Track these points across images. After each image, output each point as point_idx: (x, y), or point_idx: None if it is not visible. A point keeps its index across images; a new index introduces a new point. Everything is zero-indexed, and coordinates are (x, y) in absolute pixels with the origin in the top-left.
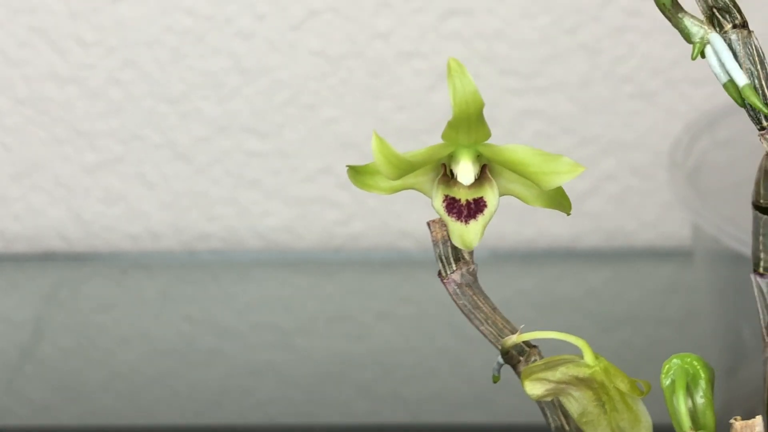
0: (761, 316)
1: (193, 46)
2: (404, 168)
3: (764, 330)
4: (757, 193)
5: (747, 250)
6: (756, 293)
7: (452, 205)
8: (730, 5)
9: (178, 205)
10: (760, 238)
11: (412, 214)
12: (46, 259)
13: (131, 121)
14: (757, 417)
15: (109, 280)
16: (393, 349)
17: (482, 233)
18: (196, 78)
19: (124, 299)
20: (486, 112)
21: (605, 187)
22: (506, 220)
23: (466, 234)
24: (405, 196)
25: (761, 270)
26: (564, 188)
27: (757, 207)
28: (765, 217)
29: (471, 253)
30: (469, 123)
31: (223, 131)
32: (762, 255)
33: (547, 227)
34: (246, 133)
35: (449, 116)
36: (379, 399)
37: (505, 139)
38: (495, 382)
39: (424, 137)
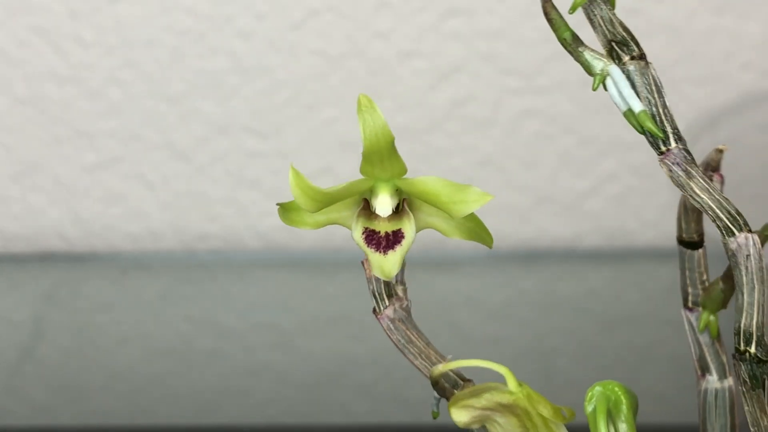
0: (692, 350)
1: (193, 46)
2: (322, 200)
3: (695, 363)
4: (679, 228)
5: None
6: (687, 328)
7: (371, 237)
8: (628, 38)
9: (178, 205)
10: (686, 273)
11: None
12: (46, 259)
13: (131, 121)
14: None
15: (109, 280)
16: (393, 349)
17: (400, 263)
18: (196, 78)
19: (124, 299)
20: (486, 112)
21: (605, 187)
22: (506, 220)
23: (385, 264)
24: None
25: (690, 305)
26: (561, 189)
27: (681, 242)
28: (689, 251)
29: (405, 289)
30: (382, 156)
31: (223, 131)
32: (690, 290)
33: (547, 227)
34: (246, 133)
35: (449, 116)
36: (379, 399)
37: (506, 139)
38: (435, 418)
39: (424, 137)
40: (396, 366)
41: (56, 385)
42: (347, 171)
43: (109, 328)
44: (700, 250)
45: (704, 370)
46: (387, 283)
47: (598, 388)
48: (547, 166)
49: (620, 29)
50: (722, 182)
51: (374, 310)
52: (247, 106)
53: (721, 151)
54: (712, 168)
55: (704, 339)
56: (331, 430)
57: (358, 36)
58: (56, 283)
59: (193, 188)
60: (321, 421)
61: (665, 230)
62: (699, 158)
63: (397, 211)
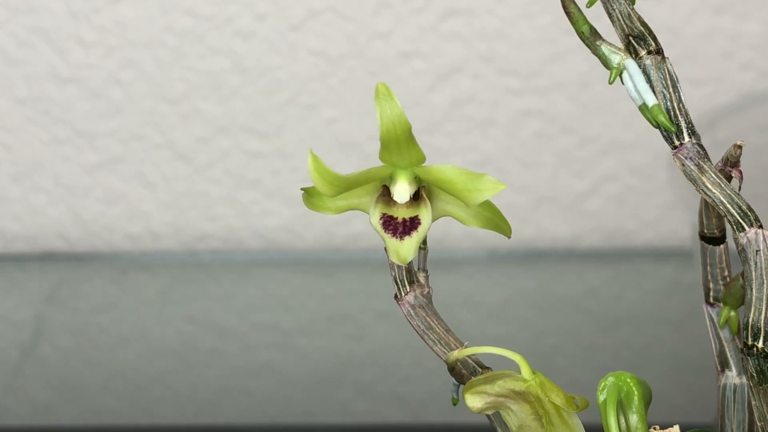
0: (713, 345)
1: (193, 46)
2: (340, 185)
3: (716, 358)
4: (700, 223)
5: None
6: (708, 323)
7: (389, 223)
8: (645, 33)
9: (178, 205)
10: (708, 268)
11: None
12: (47, 259)
13: (131, 121)
14: (675, 426)
15: (109, 280)
16: (393, 349)
17: (416, 249)
18: (196, 78)
19: (124, 299)
20: (486, 112)
21: (605, 187)
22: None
23: (401, 249)
24: None
25: (711, 300)
26: (561, 189)
27: (703, 237)
28: (710, 247)
29: (426, 276)
30: (399, 144)
31: (223, 131)
32: (711, 285)
33: (547, 227)
34: (246, 133)
35: (449, 117)
36: (379, 399)
37: (505, 139)
38: (454, 404)
39: (424, 137)
40: (396, 366)
41: (57, 384)
42: (347, 171)
43: (109, 328)
44: (722, 246)
45: (724, 365)
46: (409, 270)
47: (610, 379)
48: (546, 166)
49: (638, 24)
50: (741, 178)
51: (396, 296)
52: (247, 106)
53: (740, 147)
54: (731, 164)
55: (724, 334)
56: (331, 430)
57: (358, 36)
58: (57, 283)
59: (193, 188)
60: (321, 421)
61: (665, 230)
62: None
63: (416, 198)
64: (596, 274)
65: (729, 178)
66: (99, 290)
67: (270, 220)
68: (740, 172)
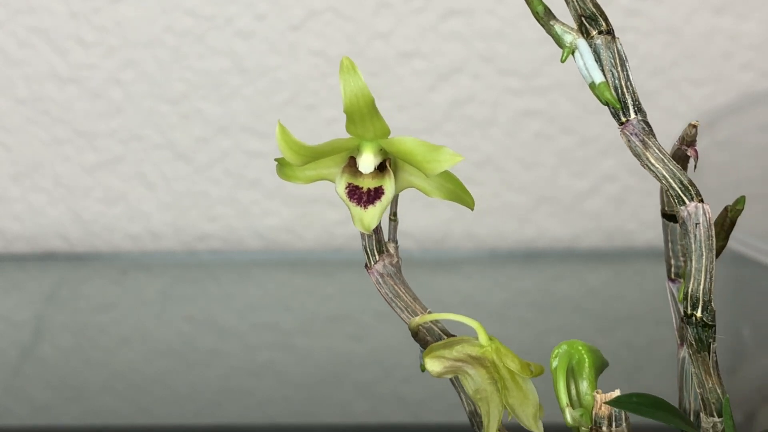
0: (673, 319)
1: (193, 46)
2: (306, 155)
3: (676, 332)
4: (662, 201)
5: (746, 250)
6: (669, 298)
7: (354, 192)
8: (597, 14)
9: (178, 205)
10: (669, 245)
11: (410, 214)
12: (47, 259)
13: (131, 121)
14: (616, 390)
15: (109, 280)
16: (393, 349)
17: (379, 217)
18: (196, 78)
19: (124, 299)
20: (486, 112)
21: (605, 187)
22: (506, 220)
23: (365, 217)
24: (404, 197)
25: (672, 276)
26: (561, 189)
27: (664, 215)
28: (671, 224)
29: (396, 247)
30: (363, 116)
31: (223, 131)
32: (672, 261)
33: (547, 227)
34: (246, 133)
35: (448, 117)
36: (379, 399)
37: (505, 139)
38: (423, 370)
39: (424, 137)
40: (396, 366)
41: (57, 384)
42: None
43: (109, 328)
44: None
45: (683, 339)
46: (379, 240)
47: (564, 347)
48: (546, 166)
49: (590, 5)
50: (697, 157)
51: (366, 265)
52: (247, 106)
53: (695, 126)
54: (687, 143)
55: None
56: (331, 430)
57: (358, 36)
58: (57, 283)
59: (193, 188)
60: (321, 421)
61: None
62: (699, 158)
63: (381, 170)
64: (596, 274)
65: (686, 158)
66: (99, 290)
67: (270, 220)
68: (696, 151)
